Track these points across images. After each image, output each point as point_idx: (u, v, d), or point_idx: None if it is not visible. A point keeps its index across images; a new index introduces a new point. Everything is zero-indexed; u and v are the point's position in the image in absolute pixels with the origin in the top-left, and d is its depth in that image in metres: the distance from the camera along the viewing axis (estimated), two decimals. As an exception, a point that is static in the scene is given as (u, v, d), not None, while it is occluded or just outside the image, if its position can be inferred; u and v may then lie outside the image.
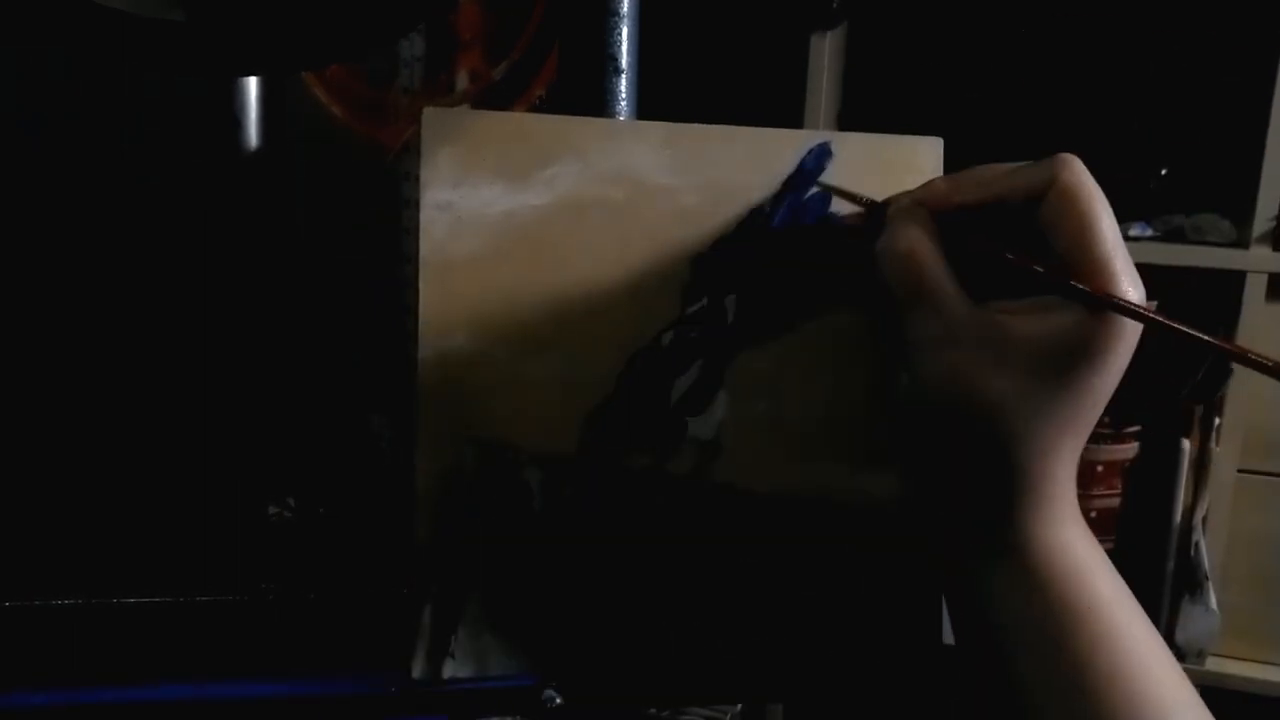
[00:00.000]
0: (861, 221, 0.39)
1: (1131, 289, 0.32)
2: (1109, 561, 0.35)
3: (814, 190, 0.41)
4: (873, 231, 0.37)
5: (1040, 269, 0.33)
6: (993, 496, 0.34)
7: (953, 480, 0.35)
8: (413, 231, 0.41)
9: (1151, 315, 0.32)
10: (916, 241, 0.34)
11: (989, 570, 0.34)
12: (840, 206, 0.41)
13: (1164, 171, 0.99)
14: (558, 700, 0.41)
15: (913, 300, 0.34)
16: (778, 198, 0.41)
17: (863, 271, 0.37)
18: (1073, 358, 0.32)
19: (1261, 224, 0.90)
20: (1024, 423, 0.32)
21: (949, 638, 0.38)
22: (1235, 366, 0.92)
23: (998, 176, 0.35)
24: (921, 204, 0.36)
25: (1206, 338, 0.32)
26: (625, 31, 0.46)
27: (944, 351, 0.33)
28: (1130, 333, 0.32)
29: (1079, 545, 0.34)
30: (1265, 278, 0.91)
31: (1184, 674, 0.33)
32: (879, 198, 0.38)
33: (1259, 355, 0.31)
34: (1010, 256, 0.34)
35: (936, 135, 0.42)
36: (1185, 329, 0.32)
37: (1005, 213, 0.34)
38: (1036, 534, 0.33)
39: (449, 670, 0.39)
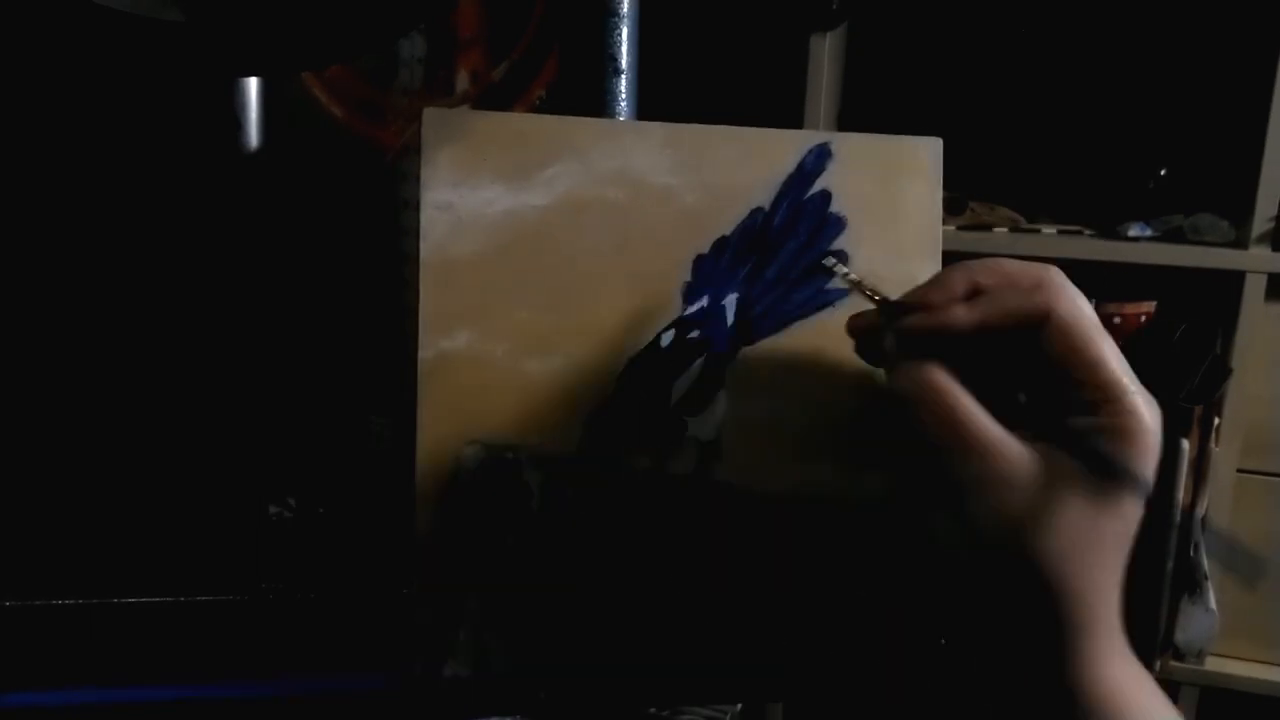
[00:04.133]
0: (873, 320, 0.36)
1: (1145, 407, 0.32)
2: (1156, 686, 0.34)
3: (814, 190, 0.41)
4: (884, 335, 0.35)
5: (1058, 426, 0.32)
6: (1044, 640, 0.33)
7: (999, 624, 0.34)
8: (413, 232, 0.41)
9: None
10: (942, 382, 0.33)
11: (1040, 709, 0.33)
12: (839, 207, 0.41)
13: (1163, 172, 0.99)
14: (558, 700, 0.41)
15: (961, 454, 0.32)
16: (778, 198, 0.41)
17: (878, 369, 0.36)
18: (1118, 482, 0.32)
19: (1260, 224, 0.90)
20: (1080, 552, 0.32)
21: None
22: (1235, 367, 0.92)
23: (987, 305, 0.33)
24: (931, 324, 0.34)
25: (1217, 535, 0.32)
26: (625, 32, 0.46)
27: (999, 494, 0.32)
28: (1155, 433, 0.32)
29: (1130, 680, 0.33)
30: (1264, 278, 0.91)
31: None
32: (893, 296, 0.35)
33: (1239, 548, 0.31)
34: (1025, 404, 0.33)
35: (936, 135, 0.42)
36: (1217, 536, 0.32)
37: (994, 338, 0.33)
38: (1089, 674, 0.32)
39: (449, 670, 0.39)
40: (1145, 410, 0.32)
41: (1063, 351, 0.32)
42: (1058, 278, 0.33)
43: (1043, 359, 0.33)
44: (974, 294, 0.34)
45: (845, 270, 0.39)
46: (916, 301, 0.34)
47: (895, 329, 0.34)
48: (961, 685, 0.38)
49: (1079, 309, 0.33)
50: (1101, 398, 0.32)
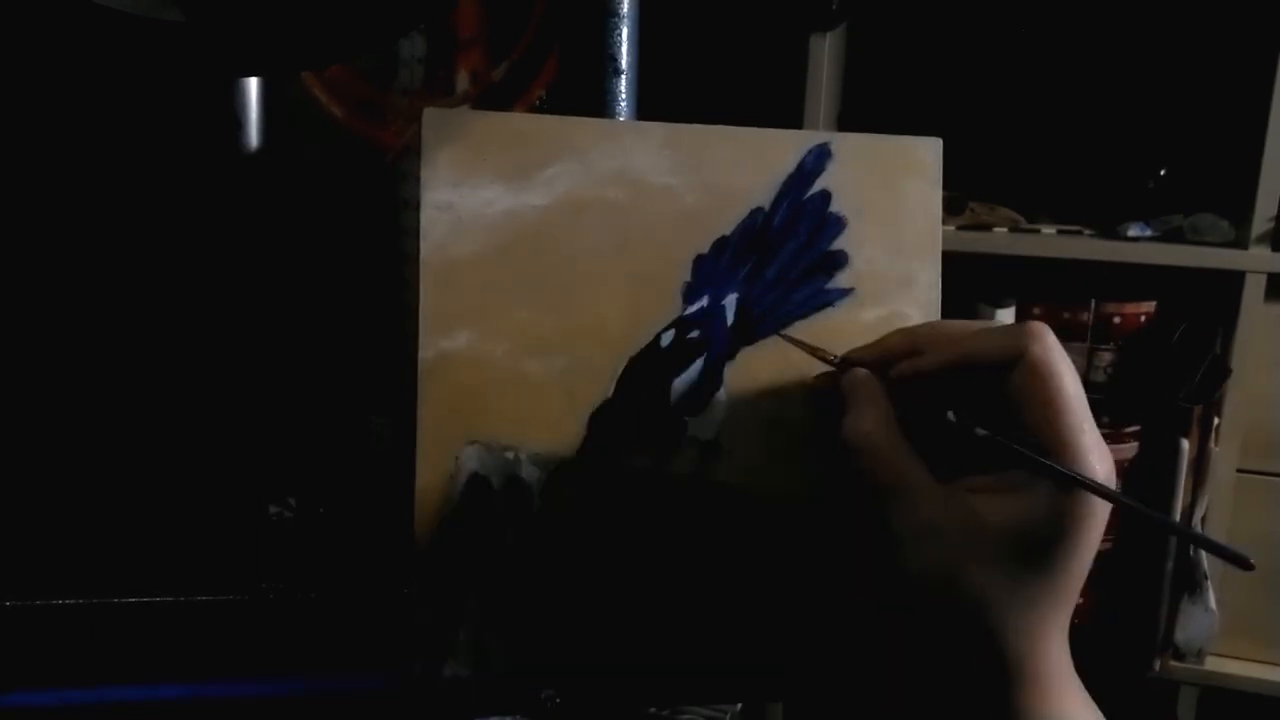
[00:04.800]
0: (826, 383, 0.38)
1: (1099, 465, 0.32)
2: (1101, 716, 0.34)
3: (814, 190, 0.41)
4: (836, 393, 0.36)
5: (1014, 448, 0.32)
6: (985, 683, 0.33)
7: (942, 667, 0.34)
8: (413, 232, 0.41)
9: (1122, 499, 0.32)
10: (877, 435, 0.34)
11: None
12: (839, 207, 0.41)
13: (1163, 172, 0.99)
14: (558, 700, 0.41)
15: (884, 498, 0.33)
16: (778, 198, 0.41)
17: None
18: (1050, 539, 0.31)
19: (1260, 224, 0.90)
20: (1009, 612, 0.32)
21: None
22: (1235, 367, 0.92)
23: (963, 339, 0.34)
24: (873, 377, 0.35)
25: (1170, 521, 0.32)
26: (625, 32, 0.46)
27: (923, 544, 0.32)
28: (1101, 510, 0.32)
29: (1076, 717, 0.33)
30: (1264, 278, 0.91)
31: None
32: (838, 354, 0.37)
33: (1215, 541, 0.32)
34: (995, 438, 0.33)
35: (936, 135, 0.42)
36: (1149, 511, 0.33)
37: (966, 375, 0.34)
38: (1034, 714, 0.32)
39: (449, 670, 0.39)
40: (1094, 456, 0.32)
41: (1026, 390, 0.32)
42: (1037, 325, 0.33)
43: (1005, 406, 0.33)
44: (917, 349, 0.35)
45: (794, 338, 0.40)
46: (865, 358, 0.36)
47: (891, 376, 0.35)
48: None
49: (1056, 352, 0.32)
50: (1056, 438, 0.32)
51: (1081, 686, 0.34)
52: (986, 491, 0.33)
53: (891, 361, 0.36)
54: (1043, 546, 0.32)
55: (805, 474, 0.41)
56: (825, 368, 0.39)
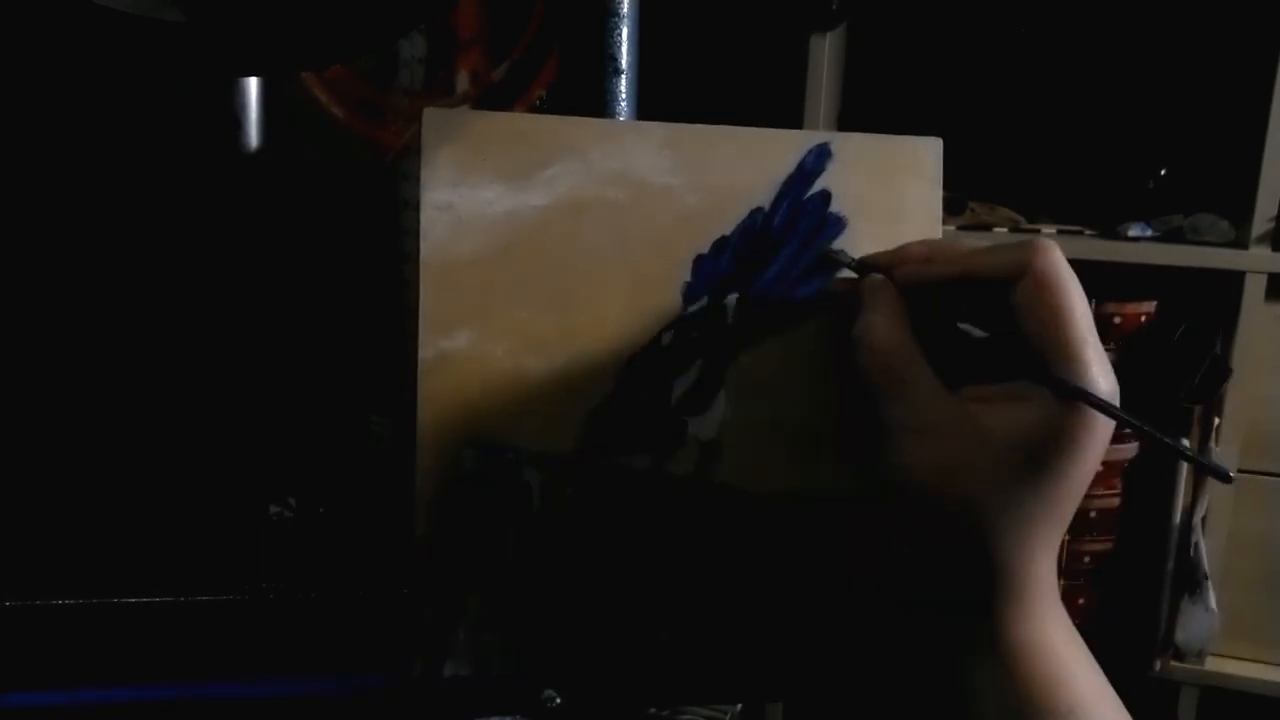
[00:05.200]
0: (846, 287, 0.39)
1: (1102, 379, 0.32)
2: (1091, 658, 0.34)
3: (814, 190, 0.41)
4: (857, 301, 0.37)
5: (1017, 356, 0.32)
6: (971, 589, 0.33)
7: (932, 570, 0.34)
8: (413, 232, 0.41)
9: (1120, 414, 0.32)
10: (887, 331, 0.34)
11: (968, 666, 0.34)
12: (839, 207, 0.41)
13: (1163, 172, 0.99)
14: (558, 700, 0.41)
15: (888, 392, 0.34)
16: (778, 198, 0.41)
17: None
18: (1046, 450, 0.32)
19: (1260, 224, 0.90)
20: (1000, 515, 0.32)
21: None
22: (1235, 367, 0.92)
23: (973, 253, 0.35)
24: (889, 282, 0.35)
25: (1167, 440, 0.33)
26: (625, 32, 0.46)
27: (919, 442, 0.33)
28: (1103, 426, 0.32)
29: (1060, 644, 0.33)
30: (1264, 278, 0.91)
31: None
32: (874, 247, 0.38)
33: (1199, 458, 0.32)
34: (992, 339, 0.33)
35: (936, 135, 0.42)
36: (1149, 429, 0.33)
37: (976, 288, 0.34)
38: (1016, 631, 0.33)
39: (449, 669, 0.39)
40: (1095, 368, 0.32)
41: (1031, 303, 0.32)
42: (1044, 240, 0.33)
43: (1006, 314, 0.33)
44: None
45: (837, 253, 0.40)
46: (882, 263, 0.36)
47: (895, 278, 0.36)
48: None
49: (1061, 266, 0.32)
50: (1059, 349, 0.32)
51: (1064, 612, 0.34)
52: (990, 401, 0.33)
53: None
54: (1041, 456, 0.32)
55: (805, 474, 0.41)
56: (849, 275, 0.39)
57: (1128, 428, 0.32)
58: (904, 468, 0.33)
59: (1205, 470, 0.35)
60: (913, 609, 0.36)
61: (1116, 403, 0.32)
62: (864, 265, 0.38)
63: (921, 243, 0.37)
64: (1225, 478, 0.33)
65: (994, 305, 0.33)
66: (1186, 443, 0.93)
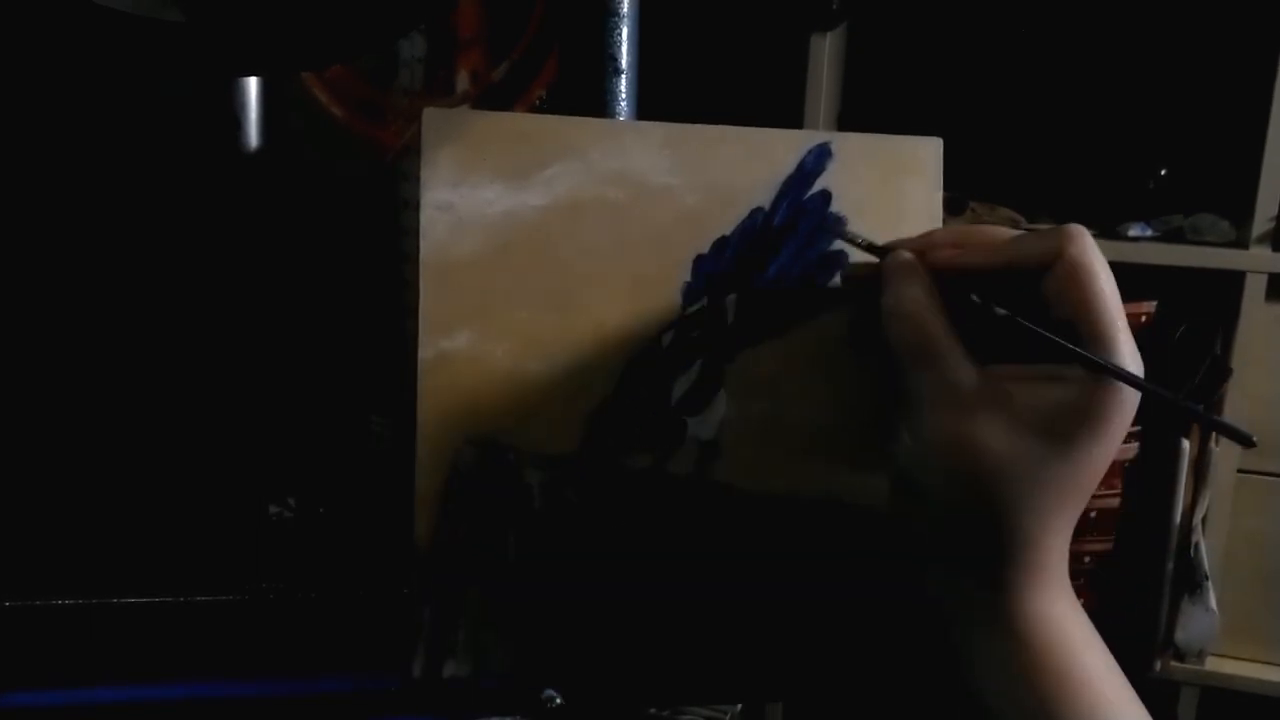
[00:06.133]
0: (864, 271, 0.38)
1: (1132, 361, 0.32)
2: (1099, 637, 0.34)
3: (814, 190, 0.41)
4: (875, 281, 0.37)
5: (1047, 334, 0.33)
6: (988, 562, 0.33)
7: (949, 544, 0.35)
8: (413, 232, 0.41)
9: (1152, 388, 0.32)
10: (919, 302, 0.34)
11: (981, 639, 0.34)
12: (840, 206, 0.41)
13: (1163, 172, 0.99)
14: (558, 700, 0.41)
15: (916, 361, 0.34)
16: (778, 198, 0.41)
17: (866, 323, 0.37)
18: (1073, 425, 0.32)
19: (1261, 224, 0.90)
20: (1024, 487, 0.32)
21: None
22: (1235, 367, 0.92)
23: (1004, 245, 0.35)
24: (919, 262, 0.36)
25: (1195, 408, 0.34)
26: (625, 32, 0.46)
27: (948, 413, 0.33)
28: (1129, 405, 0.32)
29: (1071, 619, 0.34)
30: (1265, 278, 0.91)
31: None
32: (879, 241, 0.38)
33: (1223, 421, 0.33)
34: (1019, 319, 0.34)
35: (937, 135, 0.42)
36: (1180, 401, 0.33)
37: (1007, 276, 0.35)
38: (1030, 604, 0.33)
39: (449, 670, 0.39)
40: (1126, 355, 0.32)
41: (1063, 289, 0.33)
42: (1076, 228, 0.34)
43: (1044, 308, 0.33)
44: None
45: (857, 236, 0.39)
46: (911, 246, 0.36)
47: (935, 260, 0.36)
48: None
49: (1093, 253, 0.33)
50: (1091, 335, 0.32)
51: (1073, 594, 0.35)
52: (1018, 380, 0.33)
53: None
54: (1068, 427, 0.32)
55: (805, 474, 0.41)
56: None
57: (1160, 401, 0.33)
58: (933, 440, 0.33)
59: (1232, 435, 0.36)
60: (925, 587, 0.36)
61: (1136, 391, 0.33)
62: (886, 249, 0.38)
63: (948, 230, 0.37)
64: (1248, 442, 0.34)
65: (1023, 292, 0.34)
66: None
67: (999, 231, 0.36)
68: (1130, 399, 0.32)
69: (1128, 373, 0.32)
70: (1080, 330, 0.32)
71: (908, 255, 0.36)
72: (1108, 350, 0.32)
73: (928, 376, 0.34)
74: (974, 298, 0.34)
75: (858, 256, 0.41)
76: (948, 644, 0.35)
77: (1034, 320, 0.34)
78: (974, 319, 0.35)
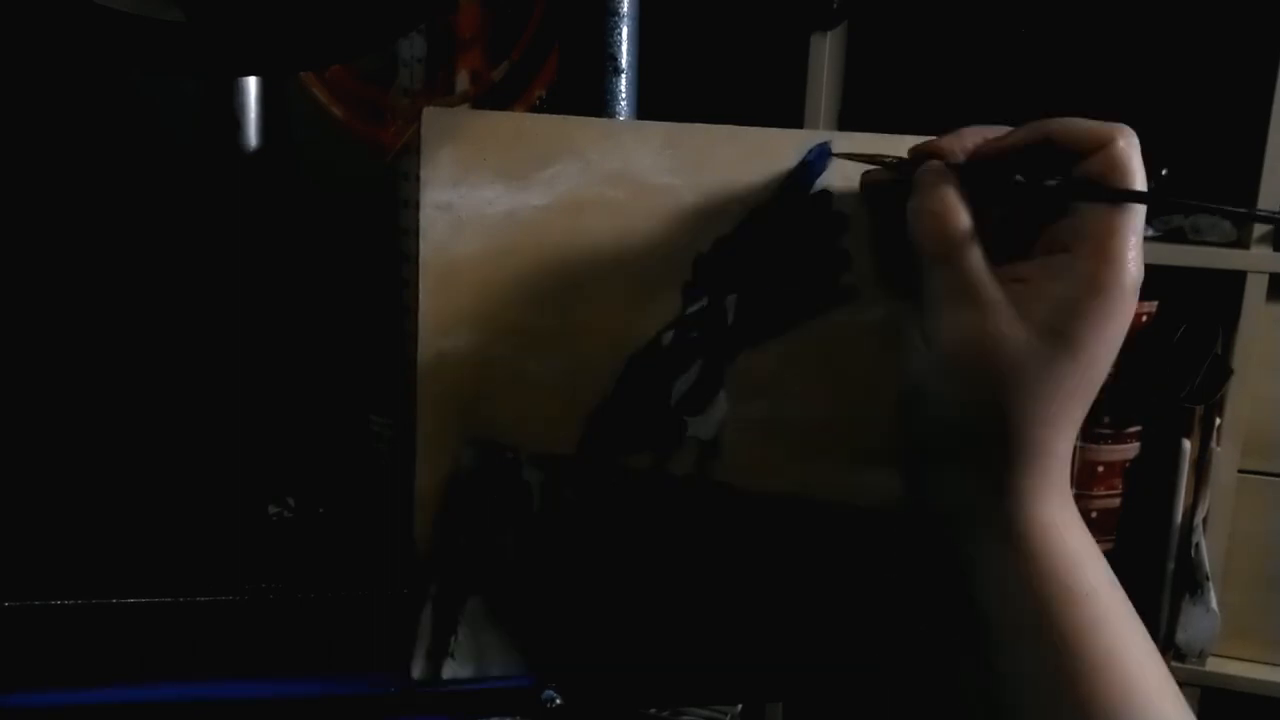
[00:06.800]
0: (887, 177, 0.39)
1: (1135, 267, 0.33)
2: (1100, 550, 0.35)
3: (815, 189, 0.41)
4: (899, 188, 0.37)
5: (1068, 181, 0.34)
6: (994, 465, 0.34)
7: (957, 446, 0.35)
8: (412, 231, 0.41)
9: (1161, 197, 0.33)
10: (947, 201, 0.35)
11: (984, 545, 0.34)
12: (840, 206, 0.41)
13: (1164, 172, 0.99)
14: (558, 700, 0.41)
15: (937, 257, 0.35)
16: (779, 197, 0.41)
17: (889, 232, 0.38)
18: (1082, 312, 0.33)
19: (1262, 224, 0.90)
20: (1033, 383, 0.33)
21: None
22: (1236, 367, 0.92)
23: (1048, 121, 0.36)
24: (945, 167, 0.36)
25: (1222, 207, 0.35)
26: (625, 31, 0.46)
27: (962, 308, 0.34)
28: (1130, 292, 0.33)
29: (1075, 529, 0.34)
30: (1266, 278, 0.91)
31: (1167, 668, 0.34)
32: (902, 154, 0.38)
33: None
34: (1071, 183, 0.34)
35: (937, 135, 0.42)
36: (1203, 204, 0.40)
37: (1040, 158, 0.35)
38: (1035, 510, 0.34)
39: (449, 670, 0.39)
40: (1131, 256, 0.33)
41: (1095, 178, 0.33)
42: (1128, 129, 0.34)
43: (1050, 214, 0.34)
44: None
45: (851, 153, 0.40)
46: (939, 147, 0.37)
47: (972, 150, 0.36)
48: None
49: (1136, 156, 0.34)
50: (1106, 229, 0.33)
51: (1074, 505, 0.35)
52: (1025, 280, 0.34)
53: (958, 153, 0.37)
54: (1076, 317, 0.33)
55: (805, 474, 0.41)
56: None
57: (1184, 210, 0.34)
58: (948, 334, 0.34)
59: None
60: (929, 497, 0.36)
61: (1139, 288, 0.34)
62: (915, 153, 0.38)
63: (974, 129, 0.38)
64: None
65: (1041, 203, 0.35)
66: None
67: (1025, 128, 0.37)
68: (1131, 292, 0.33)
69: (1146, 193, 0.33)
70: (1099, 220, 0.33)
71: (936, 163, 0.36)
72: (1119, 243, 0.33)
73: (946, 274, 0.34)
74: (1019, 178, 0.35)
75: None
76: (948, 554, 0.35)
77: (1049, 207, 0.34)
78: (1010, 200, 0.35)
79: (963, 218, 0.35)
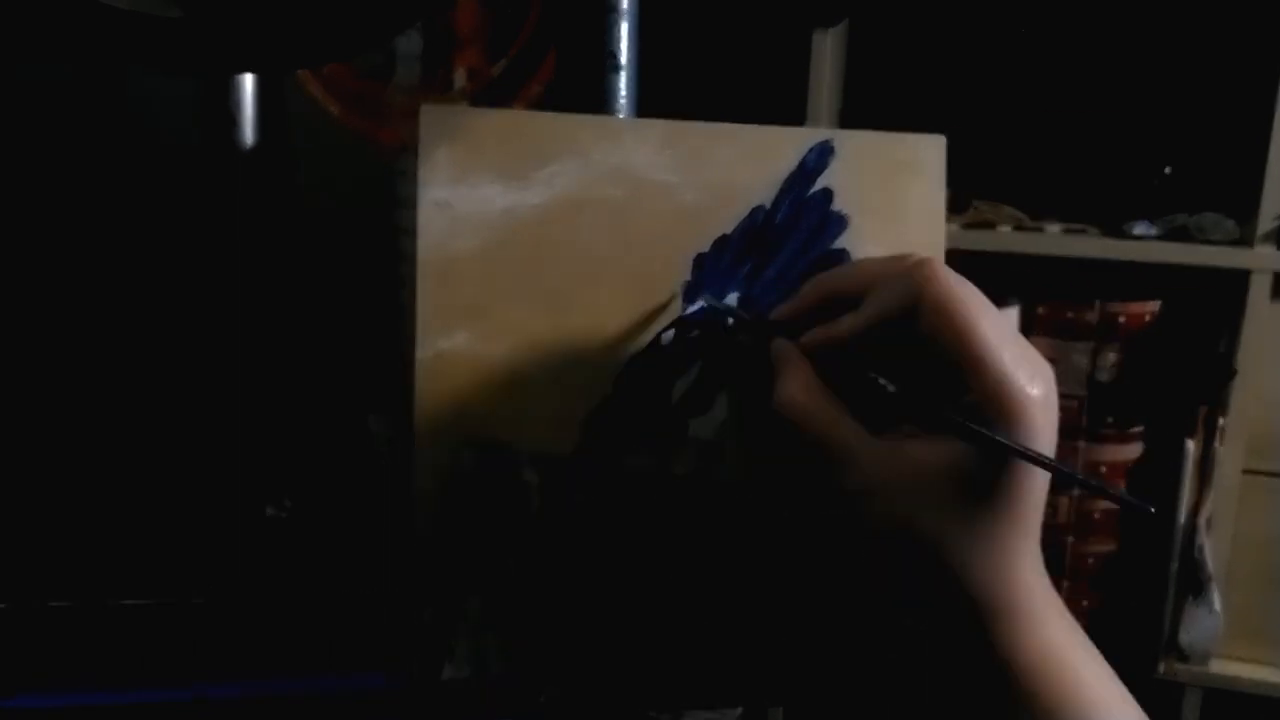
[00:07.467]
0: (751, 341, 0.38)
1: (1028, 383, 0.31)
2: (1100, 658, 0.34)
3: (816, 188, 0.41)
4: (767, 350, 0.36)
5: (932, 410, 0.32)
6: (965, 622, 0.33)
7: (926, 606, 0.34)
8: (410, 230, 0.40)
9: (1048, 461, 0.31)
10: (804, 398, 0.34)
11: (975, 685, 0.33)
12: (841, 205, 0.41)
13: (1167, 170, 0.99)
14: (558, 702, 0.41)
15: (826, 457, 0.34)
16: (779, 196, 0.41)
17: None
18: (988, 477, 0.32)
19: (1266, 223, 0.90)
20: (968, 550, 0.32)
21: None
22: (1240, 367, 0.92)
23: (866, 304, 0.34)
24: (794, 346, 0.35)
25: (1086, 479, 0.33)
26: (624, 28, 0.46)
27: (873, 500, 0.33)
28: (1039, 405, 0.31)
29: (1067, 650, 0.33)
30: (1270, 276, 0.90)
31: None
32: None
33: (1116, 493, 0.32)
34: (898, 393, 0.33)
35: (939, 133, 0.42)
36: (1065, 469, 0.32)
37: (882, 328, 0.34)
38: (1019, 648, 0.33)
39: (448, 671, 0.39)
40: (1018, 375, 0.31)
41: (934, 330, 0.32)
42: (927, 264, 0.33)
43: (925, 347, 0.33)
44: (833, 300, 0.35)
45: (714, 302, 0.39)
46: (785, 317, 0.36)
47: (803, 343, 0.35)
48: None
49: (950, 287, 0.32)
50: (973, 370, 0.31)
51: (1066, 612, 0.34)
52: (919, 435, 0.33)
53: (810, 318, 0.36)
54: (983, 481, 0.32)
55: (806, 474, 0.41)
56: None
57: (1043, 466, 0.32)
58: (868, 529, 0.33)
59: (1127, 506, 0.35)
60: (916, 635, 0.36)
61: (1054, 391, 0.32)
62: (768, 326, 0.37)
63: (812, 284, 0.37)
64: (1147, 511, 0.33)
65: (903, 335, 0.33)
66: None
67: (858, 272, 0.35)
68: (1035, 410, 0.31)
69: (1016, 446, 0.31)
70: (965, 364, 0.32)
71: (781, 342, 0.36)
72: (996, 377, 0.31)
73: (840, 474, 0.33)
74: (861, 369, 0.34)
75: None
76: (941, 678, 0.35)
77: (914, 386, 0.33)
78: (861, 390, 0.34)
79: (827, 409, 0.34)
